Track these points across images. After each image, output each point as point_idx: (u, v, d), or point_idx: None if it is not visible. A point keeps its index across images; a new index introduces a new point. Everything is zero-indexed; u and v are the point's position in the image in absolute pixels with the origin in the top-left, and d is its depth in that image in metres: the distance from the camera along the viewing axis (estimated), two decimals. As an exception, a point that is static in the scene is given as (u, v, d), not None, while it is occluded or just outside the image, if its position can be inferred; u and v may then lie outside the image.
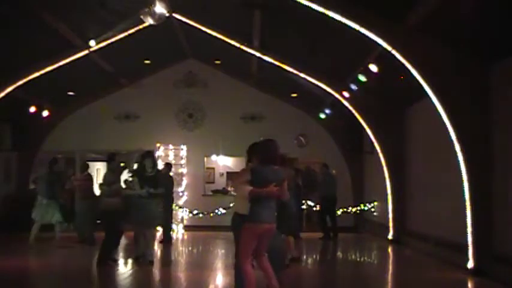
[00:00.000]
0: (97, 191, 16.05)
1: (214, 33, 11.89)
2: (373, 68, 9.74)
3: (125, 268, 9.25)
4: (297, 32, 10.78)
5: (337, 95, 12.54)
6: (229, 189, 16.48)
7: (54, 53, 11.89)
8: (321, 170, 14.47)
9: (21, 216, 13.16)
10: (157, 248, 11.59)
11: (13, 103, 12.96)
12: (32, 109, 14.10)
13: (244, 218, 5.86)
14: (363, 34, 8.61)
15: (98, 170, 17.91)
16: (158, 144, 15.72)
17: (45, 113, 14.60)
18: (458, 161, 8.34)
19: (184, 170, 15.89)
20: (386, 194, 12.78)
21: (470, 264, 8.30)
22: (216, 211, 15.38)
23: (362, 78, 10.36)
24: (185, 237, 14.51)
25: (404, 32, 8.43)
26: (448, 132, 8.37)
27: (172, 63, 16.06)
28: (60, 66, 12.14)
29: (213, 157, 17.14)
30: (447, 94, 8.36)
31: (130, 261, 9.62)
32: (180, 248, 12.49)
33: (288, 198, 6.24)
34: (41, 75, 12.25)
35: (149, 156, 9.57)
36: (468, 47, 8.04)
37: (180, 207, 15.50)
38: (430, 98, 8.56)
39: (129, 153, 14.38)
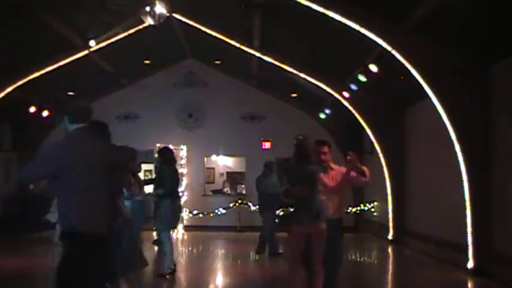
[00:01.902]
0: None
1: (214, 33, 11.89)
2: (373, 68, 9.73)
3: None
4: (297, 32, 10.78)
5: (337, 95, 12.54)
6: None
7: (54, 53, 11.88)
8: None
9: (21, 216, 13.16)
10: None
11: (13, 103, 12.96)
12: (32, 109, 14.08)
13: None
14: (363, 34, 8.61)
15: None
16: (158, 144, 15.69)
17: (45, 113, 14.60)
18: (458, 161, 8.34)
19: (184, 170, 15.89)
20: (387, 194, 12.78)
21: (470, 264, 8.30)
22: (216, 211, 15.39)
23: (362, 78, 10.35)
24: (185, 237, 14.51)
25: (404, 32, 8.44)
26: (448, 132, 8.38)
27: (172, 63, 16.07)
28: (60, 66, 12.13)
29: (213, 157, 17.15)
30: (447, 94, 8.36)
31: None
32: (180, 248, 12.49)
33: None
34: (41, 75, 12.25)
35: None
36: (468, 47, 8.05)
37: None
38: (430, 98, 8.56)
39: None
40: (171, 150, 9.22)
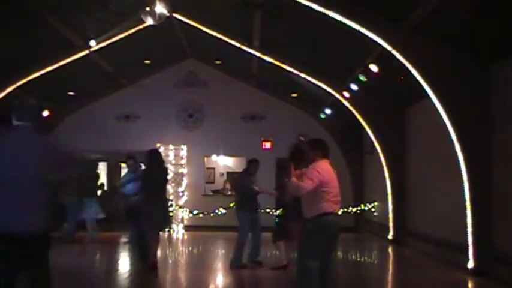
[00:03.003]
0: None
1: (214, 33, 11.89)
2: (373, 68, 9.74)
3: (124, 268, 9.25)
4: (297, 32, 10.78)
5: (337, 95, 12.55)
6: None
7: (54, 53, 11.89)
8: None
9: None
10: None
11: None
12: (32, 109, 14.07)
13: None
14: (363, 34, 8.61)
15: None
16: (158, 144, 15.70)
17: (45, 113, 14.60)
18: (458, 161, 8.34)
19: (184, 170, 15.89)
20: (387, 194, 12.78)
21: (470, 264, 8.30)
22: (216, 211, 15.38)
23: (362, 78, 10.36)
24: (185, 237, 14.51)
25: (405, 32, 8.44)
26: (448, 132, 8.38)
27: (172, 63, 16.07)
28: (60, 66, 12.14)
29: (213, 157, 17.15)
30: (447, 94, 8.36)
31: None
32: (180, 248, 12.50)
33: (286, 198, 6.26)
34: (41, 75, 12.26)
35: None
36: (468, 47, 8.04)
37: (180, 207, 15.50)
38: (430, 98, 8.56)
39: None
40: (157, 152, 9.14)
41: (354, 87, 11.08)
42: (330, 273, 5.82)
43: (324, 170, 5.70)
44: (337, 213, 5.84)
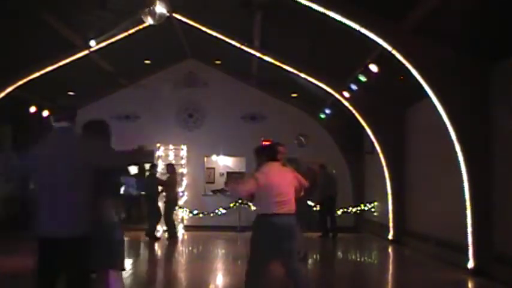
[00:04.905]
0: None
1: (214, 33, 11.90)
2: (373, 68, 9.74)
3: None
4: (297, 32, 10.78)
5: (337, 95, 12.55)
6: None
7: (54, 53, 11.89)
8: (319, 171, 14.42)
9: (21, 216, 13.12)
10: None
11: (13, 103, 12.96)
12: (32, 109, 14.09)
13: None
14: (363, 34, 8.61)
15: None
16: (158, 144, 15.71)
17: (45, 113, 14.59)
18: (458, 161, 8.34)
19: (184, 170, 15.89)
20: (387, 194, 12.78)
21: (470, 264, 8.30)
22: (216, 211, 15.39)
23: (362, 78, 10.36)
24: (185, 237, 14.51)
25: (404, 32, 8.44)
26: (448, 133, 8.38)
27: (172, 63, 16.07)
28: (60, 66, 12.14)
29: (213, 157, 17.14)
30: (447, 94, 8.36)
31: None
32: (180, 248, 12.50)
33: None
34: (41, 75, 12.26)
35: None
36: (468, 47, 8.05)
37: (180, 207, 15.49)
38: (430, 98, 8.57)
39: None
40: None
41: (354, 87, 11.09)
42: (299, 277, 5.74)
43: (266, 174, 5.73)
44: (283, 214, 5.65)
